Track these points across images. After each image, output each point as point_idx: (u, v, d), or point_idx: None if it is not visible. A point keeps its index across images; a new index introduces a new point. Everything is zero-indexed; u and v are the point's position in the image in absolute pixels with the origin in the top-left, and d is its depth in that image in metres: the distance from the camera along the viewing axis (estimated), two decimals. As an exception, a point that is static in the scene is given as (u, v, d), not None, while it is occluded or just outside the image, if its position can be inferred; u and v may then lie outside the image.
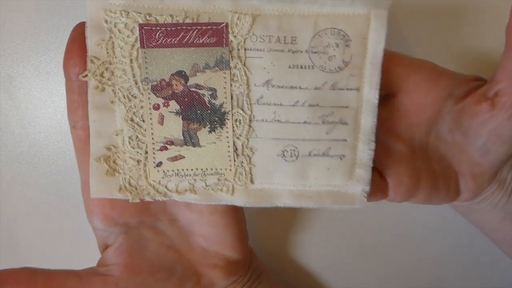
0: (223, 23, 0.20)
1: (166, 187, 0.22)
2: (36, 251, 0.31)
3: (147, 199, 0.22)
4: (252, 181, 0.22)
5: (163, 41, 0.20)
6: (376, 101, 0.21)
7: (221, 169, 0.22)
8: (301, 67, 0.21)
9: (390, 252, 0.35)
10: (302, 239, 0.34)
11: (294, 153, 0.22)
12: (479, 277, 0.35)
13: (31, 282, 0.22)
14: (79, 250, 0.30)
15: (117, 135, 0.21)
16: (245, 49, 0.20)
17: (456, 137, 0.23)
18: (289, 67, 0.20)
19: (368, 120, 0.21)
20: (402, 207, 0.27)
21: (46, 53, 0.30)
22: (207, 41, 0.20)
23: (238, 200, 0.22)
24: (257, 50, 0.20)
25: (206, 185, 0.22)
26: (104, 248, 0.23)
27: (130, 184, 0.22)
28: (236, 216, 0.24)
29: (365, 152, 0.22)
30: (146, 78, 0.20)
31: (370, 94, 0.21)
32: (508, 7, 0.21)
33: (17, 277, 0.22)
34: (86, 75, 0.20)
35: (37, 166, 0.31)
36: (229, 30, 0.20)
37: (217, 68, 0.21)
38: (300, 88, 0.21)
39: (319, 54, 0.20)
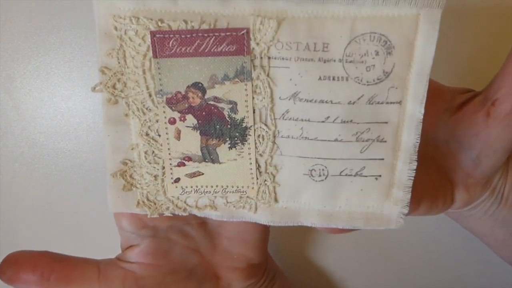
0: (244, 29, 0.17)
1: (185, 202, 0.21)
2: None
3: (166, 213, 0.21)
4: (276, 200, 0.20)
5: (178, 49, 0.18)
6: (421, 116, 0.18)
7: (242, 187, 0.20)
8: (334, 79, 0.18)
9: (402, 254, 0.35)
10: (317, 240, 0.34)
11: (323, 172, 0.19)
12: (483, 277, 0.35)
13: (48, 268, 0.21)
14: (80, 250, 0.31)
15: (132, 149, 0.20)
16: (269, 58, 0.18)
17: (451, 147, 0.23)
18: (320, 78, 0.18)
19: (410, 137, 0.19)
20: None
21: (47, 53, 0.29)
22: (226, 49, 0.18)
23: (262, 218, 0.21)
24: (283, 59, 0.18)
25: (227, 202, 0.21)
26: (127, 246, 0.23)
27: (148, 199, 0.21)
28: None
29: (405, 172, 0.19)
30: (161, 90, 0.19)
31: (415, 108, 0.18)
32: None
33: (34, 261, 0.21)
34: (98, 87, 0.19)
35: (37, 167, 0.31)
36: (251, 36, 0.18)
37: (237, 80, 0.18)
38: (332, 102, 0.18)
39: (355, 63, 0.17)
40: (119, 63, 0.19)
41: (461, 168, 0.23)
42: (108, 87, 0.19)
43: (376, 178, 0.19)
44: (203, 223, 0.23)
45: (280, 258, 0.33)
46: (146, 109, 0.19)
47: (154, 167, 0.20)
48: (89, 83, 0.30)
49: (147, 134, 0.20)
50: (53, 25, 0.28)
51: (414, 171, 0.19)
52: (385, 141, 0.19)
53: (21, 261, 0.21)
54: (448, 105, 0.23)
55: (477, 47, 0.29)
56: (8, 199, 0.32)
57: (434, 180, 0.23)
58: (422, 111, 0.18)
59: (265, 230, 0.24)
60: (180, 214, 0.21)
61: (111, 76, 0.19)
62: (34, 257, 0.21)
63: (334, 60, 0.18)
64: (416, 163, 0.19)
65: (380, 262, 0.35)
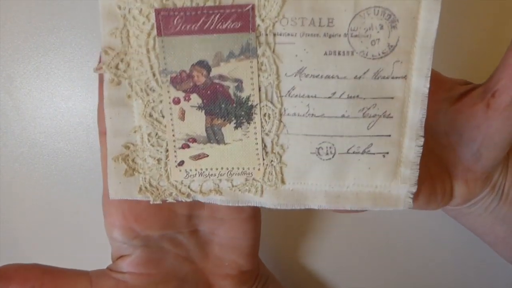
0: (249, 5, 0.18)
1: (189, 187, 0.20)
2: (36, 251, 0.31)
3: (169, 200, 0.20)
4: (283, 181, 0.20)
5: (182, 27, 0.18)
6: (426, 91, 0.18)
7: (248, 169, 0.20)
8: (339, 54, 0.18)
9: (397, 257, 0.34)
10: (309, 244, 0.34)
11: (330, 150, 0.19)
12: (481, 277, 0.35)
13: (39, 281, 0.20)
14: (79, 250, 0.30)
15: (135, 132, 0.20)
16: (274, 34, 0.18)
17: (451, 140, 0.23)
18: (325, 53, 0.18)
19: (416, 112, 0.19)
20: (410, 214, 0.27)
21: (47, 53, 0.29)
22: (231, 27, 0.18)
23: (268, 201, 0.20)
24: (288, 35, 0.18)
25: (233, 186, 0.20)
26: (117, 256, 0.22)
27: (150, 185, 0.20)
28: (256, 223, 0.23)
29: (411, 149, 0.19)
30: (165, 69, 0.18)
31: (420, 83, 0.18)
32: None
33: (24, 274, 0.21)
34: (101, 68, 0.19)
35: (37, 167, 0.31)
36: (256, 13, 0.18)
37: (242, 57, 0.18)
38: (338, 77, 0.18)
39: (360, 37, 0.18)
40: (122, 43, 0.18)
41: (461, 162, 0.23)
42: (111, 67, 0.19)
43: (384, 156, 0.19)
44: (194, 231, 0.23)
45: (272, 263, 0.33)
46: (150, 89, 0.19)
47: (158, 150, 0.20)
48: (89, 83, 0.30)
49: (150, 115, 0.19)
50: (53, 25, 0.29)
51: (421, 148, 0.19)
52: (392, 117, 0.19)
53: (10, 274, 0.20)
54: (448, 95, 0.24)
55: (478, 40, 0.30)
56: (8, 199, 0.31)
57: (433, 172, 0.23)
58: (427, 85, 0.18)
59: (255, 237, 0.24)
60: (183, 200, 0.20)
61: (114, 56, 0.19)
62: (24, 270, 0.21)
63: (339, 35, 0.18)
64: (423, 139, 0.19)
65: (374, 266, 0.35)
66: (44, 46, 0.29)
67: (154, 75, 0.19)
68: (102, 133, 0.20)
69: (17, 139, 0.31)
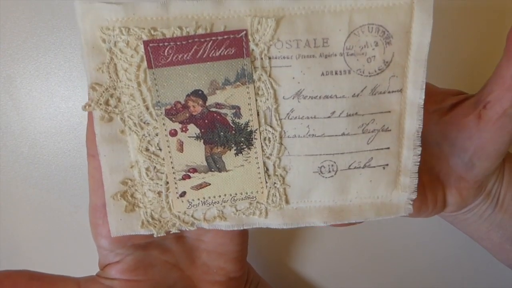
0: (243, 30, 0.17)
1: (192, 216, 0.20)
2: (36, 251, 0.31)
3: (173, 231, 0.20)
4: (287, 202, 0.20)
5: (174, 58, 0.17)
6: (421, 102, 0.19)
7: (252, 193, 0.20)
8: (336, 73, 0.18)
9: (389, 263, 0.35)
10: (300, 249, 0.34)
11: (332, 168, 0.19)
12: (479, 281, 0.35)
13: (27, 287, 0.21)
14: (79, 250, 0.30)
15: (132, 167, 0.19)
16: (269, 58, 0.18)
17: (443, 150, 0.23)
18: (322, 74, 0.18)
19: (412, 123, 0.19)
20: (402, 219, 0.26)
21: (47, 53, 0.29)
22: (225, 53, 0.17)
23: (273, 222, 0.20)
24: (284, 58, 0.17)
25: (237, 210, 0.20)
26: (105, 264, 0.22)
27: (152, 218, 0.20)
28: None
29: (410, 158, 0.20)
30: (158, 102, 0.18)
31: (415, 95, 0.18)
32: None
33: (13, 279, 0.21)
34: (90, 105, 0.18)
35: (37, 167, 0.31)
36: (250, 37, 0.17)
37: (238, 83, 0.18)
38: (336, 97, 0.18)
39: (356, 56, 0.18)
40: (110, 77, 0.17)
41: (453, 171, 0.23)
42: (101, 104, 0.18)
43: (384, 168, 0.20)
44: (180, 237, 0.23)
45: (263, 269, 0.33)
46: (144, 123, 0.18)
47: (157, 183, 0.19)
48: (89, 82, 0.29)
49: (147, 150, 0.19)
50: (53, 25, 0.28)
51: (419, 157, 0.19)
52: (390, 130, 0.19)
53: None
54: (439, 106, 0.23)
55: (471, 50, 0.30)
56: (8, 199, 0.31)
57: (424, 181, 0.23)
58: (423, 96, 0.18)
59: (243, 242, 0.24)
60: (188, 229, 0.20)
61: (103, 92, 0.18)
62: (13, 275, 0.21)
63: (335, 55, 0.17)
64: (420, 149, 0.19)
65: (366, 271, 0.35)
66: (44, 46, 0.29)
67: (147, 108, 0.18)
68: (90, 155, 0.19)
69: (17, 139, 0.30)
